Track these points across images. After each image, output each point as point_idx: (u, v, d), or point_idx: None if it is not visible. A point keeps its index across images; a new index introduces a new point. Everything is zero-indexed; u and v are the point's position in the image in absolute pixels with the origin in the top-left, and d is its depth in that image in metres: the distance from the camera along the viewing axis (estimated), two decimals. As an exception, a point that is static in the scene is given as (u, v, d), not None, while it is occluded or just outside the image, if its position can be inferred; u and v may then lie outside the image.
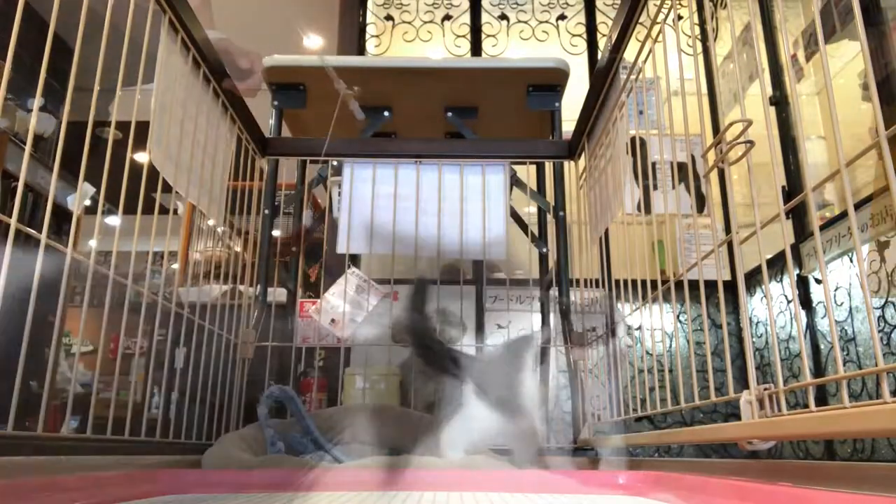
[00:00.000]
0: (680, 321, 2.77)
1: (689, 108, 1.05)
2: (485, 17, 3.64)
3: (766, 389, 0.77)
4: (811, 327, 2.30)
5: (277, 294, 1.84)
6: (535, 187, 2.01)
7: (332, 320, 1.81)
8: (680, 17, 3.13)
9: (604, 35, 3.52)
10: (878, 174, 2.02)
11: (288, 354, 1.71)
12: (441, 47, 3.57)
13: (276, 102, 1.91)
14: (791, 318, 2.41)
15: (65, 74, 0.95)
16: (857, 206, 1.91)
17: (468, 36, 3.60)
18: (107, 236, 1.10)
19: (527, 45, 3.59)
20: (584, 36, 3.59)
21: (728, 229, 2.59)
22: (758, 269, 2.48)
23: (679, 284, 1.13)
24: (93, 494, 0.72)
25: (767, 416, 0.76)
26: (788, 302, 2.45)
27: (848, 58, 2.32)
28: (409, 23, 3.62)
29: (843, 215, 2.13)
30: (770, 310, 2.41)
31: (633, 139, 1.36)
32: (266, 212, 1.75)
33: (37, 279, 0.84)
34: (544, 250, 2.01)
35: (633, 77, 1.31)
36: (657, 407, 1.20)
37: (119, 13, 1.03)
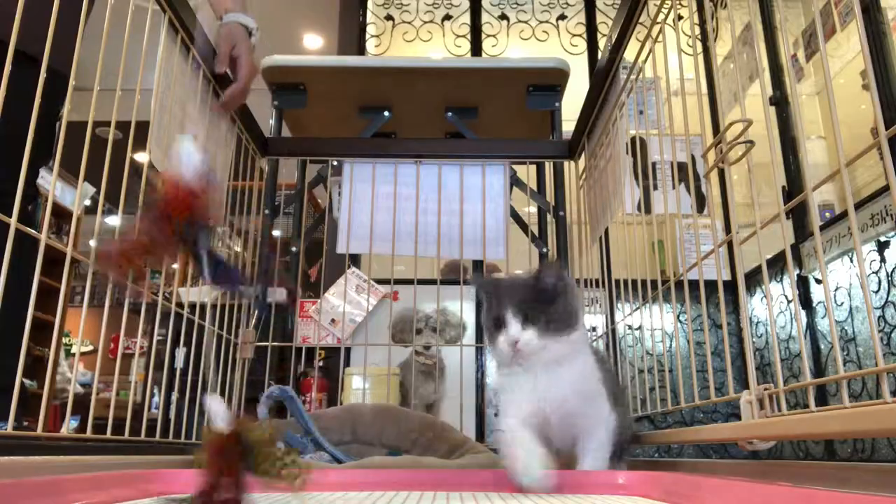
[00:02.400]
0: (680, 321, 2.77)
1: (689, 108, 1.05)
2: (485, 17, 3.64)
3: (766, 389, 0.77)
4: (811, 327, 2.30)
5: (277, 294, 1.84)
6: (535, 187, 2.01)
7: (332, 320, 1.81)
8: (680, 17, 3.13)
9: (604, 35, 3.52)
10: (880, 173, 2.02)
11: (288, 354, 1.71)
12: (441, 47, 3.57)
13: (276, 102, 1.91)
14: (791, 318, 2.41)
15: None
16: (858, 206, 1.91)
17: (468, 36, 3.60)
18: (106, 237, 1.10)
19: (527, 45, 3.59)
20: (585, 36, 3.60)
21: (728, 229, 2.59)
22: (758, 269, 2.48)
23: (679, 284, 1.13)
24: (92, 494, 0.71)
25: (767, 416, 0.76)
26: (789, 302, 2.45)
27: (848, 58, 2.32)
28: (410, 23, 3.62)
29: (844, 215, 2.13)
30: (770, 310, 2.41)
31: (633, 139, 1.36)
32: (266, 212, 1.75)
33: (37, 279, 0.84)
34: (544, 250, 2.01)
35: (633, 77, 1.31)
36: (657, 407, 1.20)
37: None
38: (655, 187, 1.50)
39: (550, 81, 1.86)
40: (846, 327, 2.10)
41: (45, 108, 0.89)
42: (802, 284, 2.32)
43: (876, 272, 1.94)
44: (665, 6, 1.13)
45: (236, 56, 1.36)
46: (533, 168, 2.10)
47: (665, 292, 1.16)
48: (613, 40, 1.34)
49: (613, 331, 1.61)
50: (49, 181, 1.00)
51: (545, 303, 0.93)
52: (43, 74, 0.86)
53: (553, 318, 0.92)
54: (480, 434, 2.20)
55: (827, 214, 2.35)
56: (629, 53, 1.31)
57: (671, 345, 2.73)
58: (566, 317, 0.93)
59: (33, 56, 0.90)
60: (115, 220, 1.15)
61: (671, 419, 2.57)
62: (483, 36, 3.60)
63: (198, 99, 1.38)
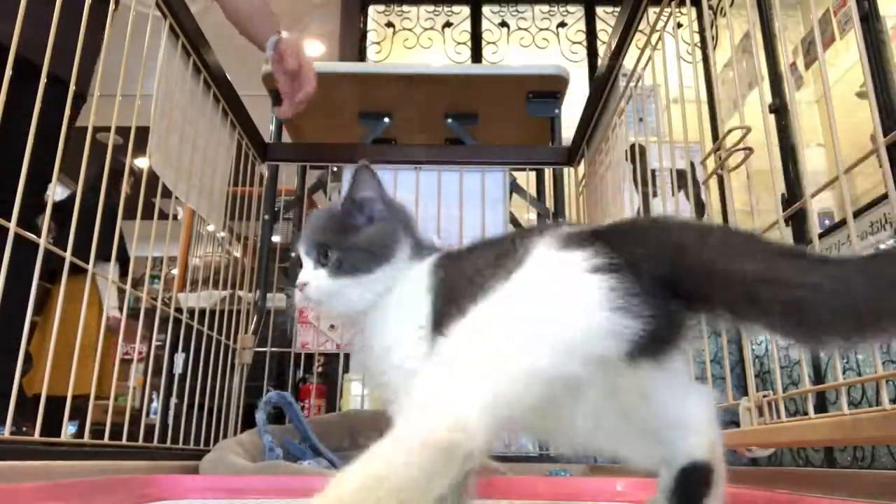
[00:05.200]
0: (679, 328, 2.76)
1: (688, 115, 1.05)
2: (485, 25, 3.65)
3: (765, 397, 0.77)
4: (811, 335, 2.29)
5: (276, 299, 1.84)
6: (534, 193, 2.01)
7: (332, 326, 1.81)
8: (679, 25, 3.14)
9: (603, 42, 3.53)
10: (880, 181, 2.02)
11: (287, 360, 1.70)
12: (442, 54, 3.58)
13: (276, 108, 1.91)
14: (791, 326, 2.41)
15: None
16: (857, 214, 1.91)
17: (468, 43, 3.61)
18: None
19: (527, 53, 3.60)
20: (584, 43, 3.60)
21: (727, 236, 2.57)
22: (757, 277, 2.47)
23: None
24: (91, 500, 0.71)
25: (766, 423, 0.76)
26: (788, 309, 2.44)
27: (847, 66, 2.32)
28: (410, 30, 3.63)
29: (843, 223, 2.13)
30: (769, 317, 2.40)
31: (632, 146, 1.36)
32: (266, 217, 1.75)
33: (35, 281, 0.84)
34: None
35: (632, 84, 1.31)
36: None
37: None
38: (655, 194, 1.50)
39: (550, 88, 1.86)
40: (846, 335, 2.09)
41: (57, 121, 0.91)
42: (802, 292, 2.32)
43: (875, 280, 1.94)
44: (664, 14, 1.13)
45: (301, 62, 1.43)
46: (532, 174, 2.11)
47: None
48: (613, 48, 1.34)
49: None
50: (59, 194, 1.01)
51: (350, 233, 0.69)
52: (43, 82, 0.86)
53: (351, 252, 0.67)
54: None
55: (826, 222, 2.35)
56: (629, 61, 1.31)
57: (671, 352, 2.72)
58: (371, 248, 0.67)
59: (60, 76, 0.93)
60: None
61: (670, 426, 2.56)
62: (483, 43, 3.61)
63: (198, 104, 1.38)
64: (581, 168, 1.74)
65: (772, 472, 0.99)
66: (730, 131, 0.85)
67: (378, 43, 3.61)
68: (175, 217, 1.64)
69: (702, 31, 2.94)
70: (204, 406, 1.39)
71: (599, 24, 3.61)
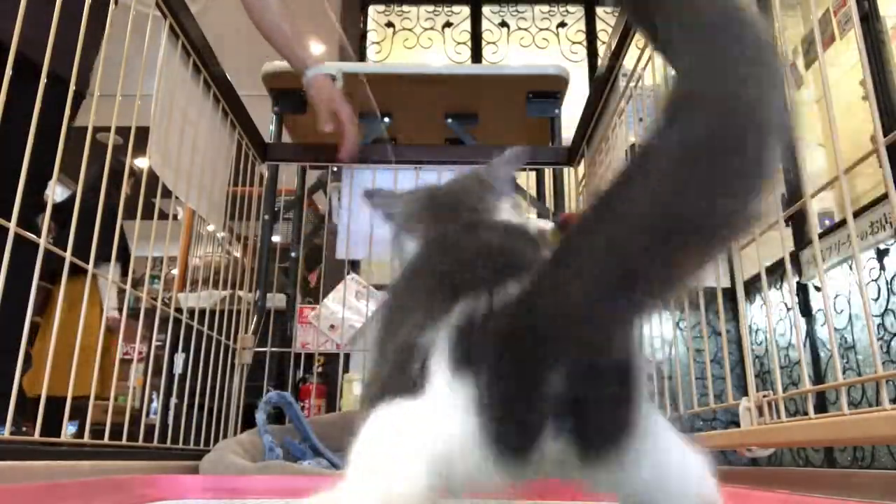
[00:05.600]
0: (679, 328, 2.76)
1: (688, 115, 1.05)
2: (485, 25, 3.65)
3: (765, 397, 0.77)
4: (811, 335, 2.30)
5: (276, 299, 1.84)
6: (534, 193, 2.01)
7: (332, 326, 1.81)
8: (679, 25, 3.14)
9: (604, 42, 3.53)
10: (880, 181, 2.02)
11: (287, 360, 1.70)
12: (442, 54, 3.58)
13: (276, 108, 1.91)
14: (791, 326, 2.41)
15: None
16: (857, 214, 1.92)
17: (468, 43, 3.61)
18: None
19: (527, 53, 3.60)
20: (584, 43, 3.60)
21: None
22: (757, 277, 2.47)
23: (678, 291, 1.13)
24: (90, 500, 0.71)
25: (766, 423, 0.76)
26: (788, 309, 2.45)
27: (847, 66, 2.32)
28: (410, 30, 3.63)
29: (843, 223, 2.13)
30: (769, 317, 2.41)
31: (632, 146, 1.36)
32: (266, 217, 1.75)
33: (35, 282, 0.84)
34: (544, 257, 2.01)
35: (632, 84, 1.31)
36: (656, 414, 1.19)
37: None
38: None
39: (550, 88, 1.86)
40: (846, 335, 2.10)
41: (57, 120, 0.91)
42: (802, 292, 2.32)
43: (875, 280, 1.94)
44: (664, 14, 1.13)
45: (336, 112, 1.49)
46: (532, 174, 2.11)
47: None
48: (613, 48, 1.34)
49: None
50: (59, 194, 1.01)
51: None
52: (43, 82, 0.86)
53: None
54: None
55: (826, 222, 2.35)
56: (629, 61, 1.31)
57: (670, 352, 2.72)
58: None
59: (60, 75, 0.93)
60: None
61: (670, 426, 2.56)
62: (483, 43, 3.61)
63: (198, 104, 1.38)
64: (581, 168, 1.74)
65: (772, 472, 0.99)
66: (730, 131, 0.85)
67: (378, 43, 3.61)
68: (175, 217, 1.63)
69: (702, 31, 2.94)
70: (204, 406, 1.39)
71: (599, 24, 3.61)
